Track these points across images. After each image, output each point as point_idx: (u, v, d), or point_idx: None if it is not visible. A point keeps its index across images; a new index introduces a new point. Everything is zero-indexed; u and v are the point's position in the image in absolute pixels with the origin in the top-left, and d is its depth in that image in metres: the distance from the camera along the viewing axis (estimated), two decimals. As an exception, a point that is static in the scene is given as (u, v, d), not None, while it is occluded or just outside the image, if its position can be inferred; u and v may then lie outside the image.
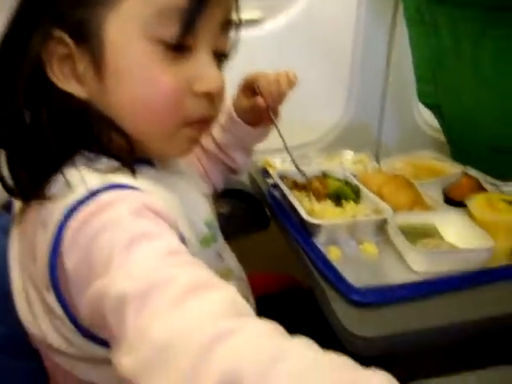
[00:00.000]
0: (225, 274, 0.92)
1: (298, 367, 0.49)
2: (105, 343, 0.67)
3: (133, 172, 0.73)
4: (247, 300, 0.99)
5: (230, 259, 0.97)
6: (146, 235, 0.63)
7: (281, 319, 1.17)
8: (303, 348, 0.52)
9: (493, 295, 0.90)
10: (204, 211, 0.89)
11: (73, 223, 0.64)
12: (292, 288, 1.38)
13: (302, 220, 1.03)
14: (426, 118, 1.81)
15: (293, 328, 1.18)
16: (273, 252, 1.54)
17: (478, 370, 0.74)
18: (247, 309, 0.59)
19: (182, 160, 0.93)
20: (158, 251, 0.61)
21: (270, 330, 0.54)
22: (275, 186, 1.23)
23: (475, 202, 1.04)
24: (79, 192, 0.66)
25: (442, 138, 1.65)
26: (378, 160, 1.43)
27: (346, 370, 0.50)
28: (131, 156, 0.74)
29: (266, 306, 1.05)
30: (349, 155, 1.45)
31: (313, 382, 0.48)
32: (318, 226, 1.00)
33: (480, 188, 1.18)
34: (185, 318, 0.54)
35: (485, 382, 0.72)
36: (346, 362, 0.51)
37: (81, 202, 0.65)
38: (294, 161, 1.16)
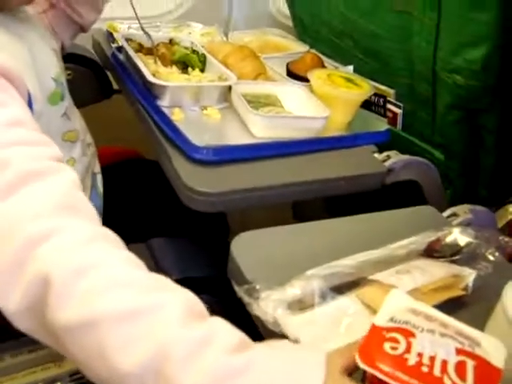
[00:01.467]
0: (72, 136, 0.90)
1: (105, 280, 0.51)
2: None
3: None
4: (93, 167, 0.97)
5: (77, 121, 0.94)
6: None
7: (125, 187, 1.17)
8: (119, 260, 0.54)
9: (322, 161, 0.96)
10: (53, 65, 0.85)
11: None
12: (137, 160, 1.37)
13: (146, 82, 1.01)
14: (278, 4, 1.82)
15: (137, 195, 1.19)
16: (117, 127, 1.51)
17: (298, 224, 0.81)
18: (80, 200, 0.59)
19: (30, 11, 0.87)
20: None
21: (92, 235, 0.55)
22: (120, 48, 1.19)
23: (316, 76, 1.08)
24: None
25: (290, 23, 1.66)
26: (226, 35, 1.43)
27: (152, 291, 0.52)
28: None
29: (111, 175, 1.04)
30: (197, 27, 1.43)
31: (117, 296, 0.50)
32: (162, 88, 0.99)
33: (322, 66, 1.23)
34: (12, 209, 0.54)
35: (302, 231, 0.80)
36: (159, 282, 0.54)
37: None
38: (140, 23, 1.12)
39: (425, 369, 0.47)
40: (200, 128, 0.96)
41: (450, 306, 0.68)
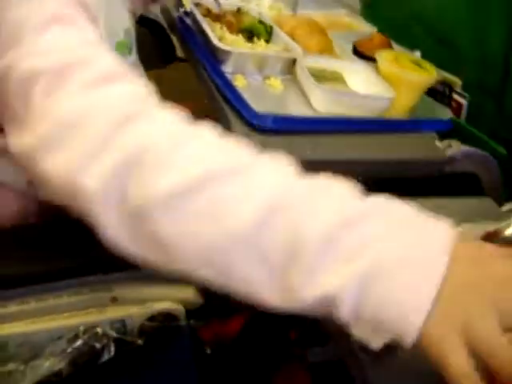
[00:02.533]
0: None
1: (202, 149, 0.51)
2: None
3: None
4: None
5: None
6: (66, 19, 0.59)
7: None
8: (209, 133, 0.53)
9: (383, 142, 0.94)
10: (125, 19, 0.84)
11: None
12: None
13: (211, 47, 1.01)
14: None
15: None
16: (180, 91, 1.51)
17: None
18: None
19: None
20: (77, 35, 0.59)
21: (180, 118, 0.54)
22: (187, 13, 1.18)
23: (384, 57, 1.06)
24: None
25: (358, 6, 1.63)
26: (294, 10, 1.40)
27: (241, 156, 0.52)
28: None
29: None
30: (267, 0, 1.41)
31: (223, 155, 0.51)
32: (227, 53, 0.98)
33: (390, 47, 1.20)
34: (96, 101, 0.53)
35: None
36: (245, 149, 0.52)
37: None
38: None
39: None
40: (261, 96, 0.95)
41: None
